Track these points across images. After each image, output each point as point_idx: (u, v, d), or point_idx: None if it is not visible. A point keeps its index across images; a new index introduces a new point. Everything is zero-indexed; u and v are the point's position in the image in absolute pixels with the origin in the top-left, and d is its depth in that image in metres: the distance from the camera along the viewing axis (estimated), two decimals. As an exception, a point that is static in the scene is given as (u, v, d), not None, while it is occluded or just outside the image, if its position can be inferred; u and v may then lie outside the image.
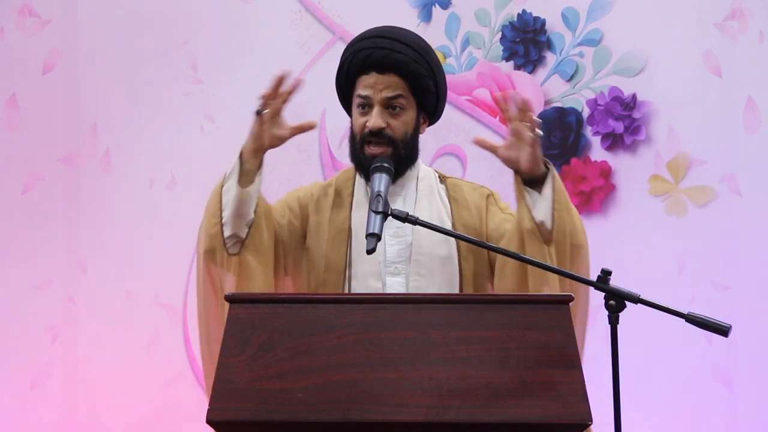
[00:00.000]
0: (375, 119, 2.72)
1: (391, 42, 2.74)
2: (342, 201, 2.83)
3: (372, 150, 2.72)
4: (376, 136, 2.72)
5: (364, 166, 2.74)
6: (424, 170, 2.87)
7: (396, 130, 2.73)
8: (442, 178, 2.90)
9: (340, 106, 2.88)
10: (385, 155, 2.71)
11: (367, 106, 2.74)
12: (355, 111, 2.77)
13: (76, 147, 4.54)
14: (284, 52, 4.47)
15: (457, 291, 2.77)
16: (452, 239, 2.77)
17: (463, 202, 2.84)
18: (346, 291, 2.74)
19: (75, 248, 4.51)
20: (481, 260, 2.81)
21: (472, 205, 2.84)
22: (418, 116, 2.79)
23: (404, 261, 2.76)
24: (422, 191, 2.83)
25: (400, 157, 2.74)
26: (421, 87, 2.75)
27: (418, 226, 2.67)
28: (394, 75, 2.73)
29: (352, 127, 2.80)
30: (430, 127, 2.89)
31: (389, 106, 2.73)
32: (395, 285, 2.74)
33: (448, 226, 2.78)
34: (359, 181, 2.85)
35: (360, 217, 2.78)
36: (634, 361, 4.07)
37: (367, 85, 2.73)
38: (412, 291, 2.73)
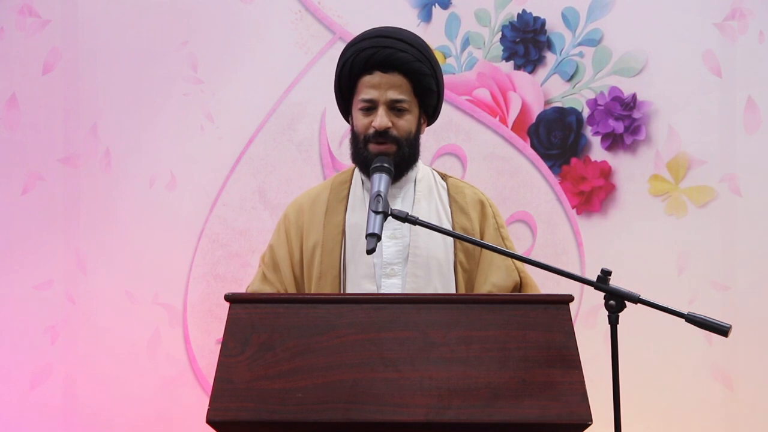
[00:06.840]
0: (381, 119, 2.72)
1: (393, 41, 2.74)
2: (337, 205, 2.82)
3: (377, 147, 2.72)
4: (382, 135, 2.72)
5: (368, 164, 2.73)
6: (422, 171, 2.87)
7: (400, 129, 2.74)
8: (443, 176, 2.90)
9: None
10: (389, 152, 2.71)
11: (371, 107, 2.74)
12: (358, 112, 2.76)
13: (76, 147, 4.53)
14: (284, 52, 4.47)
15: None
16: (449, 242, 2.77)
17: (464, 207, 2.84)
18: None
19: (75, 248, 4.51)
20: (476, 264, 2.80)
21: (472, 211, 2.84)
22: (420, 116, 2.79)
23: (401, 262, 2.75)
24: (420, 192, 2.83)
25: (404, 157, 2.75)
26: (423, 86, 2.76)
27: (415, 228, 2.67)
28: (398, 74, 2.73)
29: (353, 128, 2.79)
30: (430, 126, 2.89)
31: (394, 107, 2.73)
32: (391, 287, 2.73)
33: (447, 227, 2.78)
34: (355, 182, 2.85)
35: (355, 219, 2.78)
36: (634, 361, 4.07)
37: (371, 86, 2.73)
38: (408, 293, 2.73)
